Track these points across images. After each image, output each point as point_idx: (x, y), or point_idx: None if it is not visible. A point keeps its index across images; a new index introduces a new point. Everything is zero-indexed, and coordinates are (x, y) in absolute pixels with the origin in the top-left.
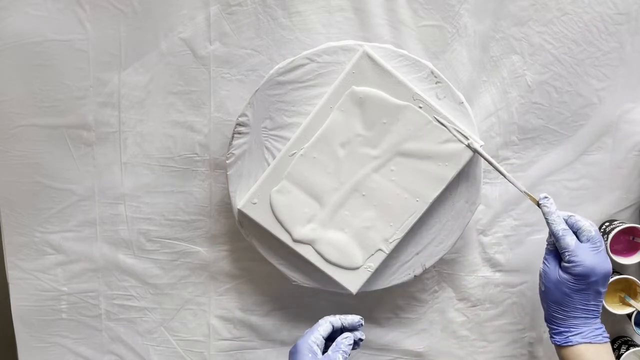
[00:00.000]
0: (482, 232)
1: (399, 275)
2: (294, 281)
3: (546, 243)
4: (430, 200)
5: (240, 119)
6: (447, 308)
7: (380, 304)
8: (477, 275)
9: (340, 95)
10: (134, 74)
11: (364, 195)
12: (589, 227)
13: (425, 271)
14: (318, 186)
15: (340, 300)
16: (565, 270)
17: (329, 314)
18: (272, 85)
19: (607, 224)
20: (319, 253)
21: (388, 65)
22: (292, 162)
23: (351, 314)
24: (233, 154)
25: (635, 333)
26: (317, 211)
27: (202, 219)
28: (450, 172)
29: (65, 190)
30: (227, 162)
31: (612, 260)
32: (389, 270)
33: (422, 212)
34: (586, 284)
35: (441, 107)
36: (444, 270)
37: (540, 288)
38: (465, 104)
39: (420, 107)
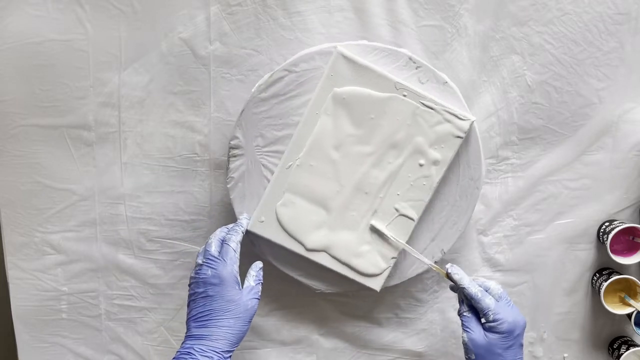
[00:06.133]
0: (482, 232)
1: (419, 264)
2: (317, 289)
3: (459, 313)
4: (435, 185)
5: (232, 142)
6: (447, 308)
7: (380, 304)
8: (477, 275)
9: (324, 100)
10: (134, 74)
11: (366, 192)
12: (496, 285)
13: (443, 256)
14: (320, 192)
15: (341, 301)
16: (491, 330)
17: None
18: (256, 103)
19: (607, 224)
20: (335, 258)
21: (364, 61)
22: (290, 174)
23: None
24: (232, 177)
25: (635, 333)
26: (324, 217)
27: (202, 219)
28: (449, 153)
29: (65, 190)
30: (228, 186)
31: (612, 260)
32: (409, 261)
33: (430, 196)
34: (513, 338)
35: (426, 90)
36: None
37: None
38: (450, 82)
39: (405, 96)
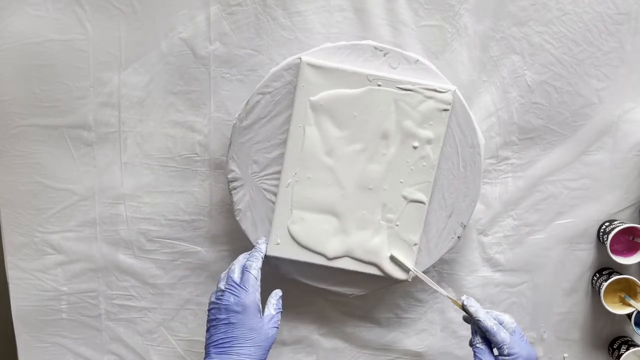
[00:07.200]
0: (482, 232)
1: (442, 243)
2: (350, 294)
3: (472, 344)
4: (435, 163)
5: (229, 176)
6: (447, 308)
7: (380, 304)
8: (477, 275)
9: (303, 112)
10: (134, 74)
11: (370, 189)
12: (509, 319)
13: (465, 229)
14: (326, 201)
15: (341, 301)
16: None
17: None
18: (240, 133)
19: (607, 224)
20: (358, 260)
21: (331, 63)
22: (291, 191)
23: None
24: (239, 209)
25: (635, 333)
26: (336, 224)
27: (202, 219)
28: (440, 128)
29: (65, 190)
30: (237, 218)
31: (612, 260)
32: (432, 243)
33: (434, 175)
34: None
35: (399, 74)
36: (444, 270)
37: None
38: (421, 59)
39: (380, 85)
